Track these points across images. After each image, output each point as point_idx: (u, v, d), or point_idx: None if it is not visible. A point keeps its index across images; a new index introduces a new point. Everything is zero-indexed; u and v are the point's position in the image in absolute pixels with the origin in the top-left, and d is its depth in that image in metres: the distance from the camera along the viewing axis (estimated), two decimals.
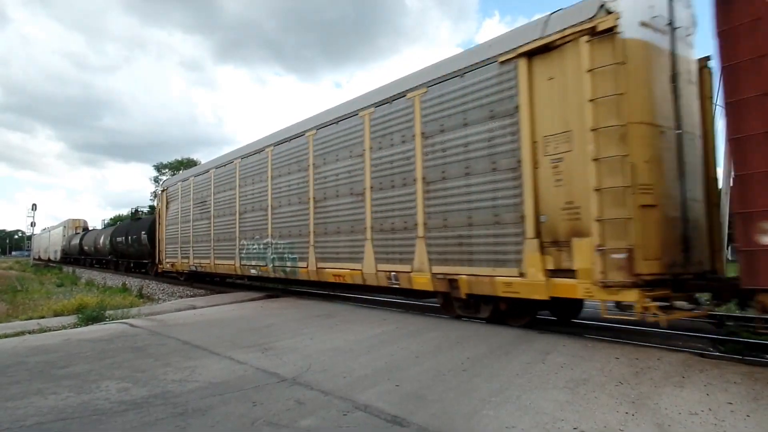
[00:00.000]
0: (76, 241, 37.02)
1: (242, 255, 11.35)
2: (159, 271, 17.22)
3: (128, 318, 7.58)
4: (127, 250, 22.96)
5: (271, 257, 10.22)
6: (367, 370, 4.23)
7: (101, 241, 28.70)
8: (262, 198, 10.69)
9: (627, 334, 6.09)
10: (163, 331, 6.32)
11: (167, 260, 15.96)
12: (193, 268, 14.15)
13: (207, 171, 13.68)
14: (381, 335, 5.78)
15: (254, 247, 10.87)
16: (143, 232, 19.70)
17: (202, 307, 8.96)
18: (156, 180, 54.66)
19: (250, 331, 6.19)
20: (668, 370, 4.03)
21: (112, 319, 7.50)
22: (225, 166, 12.56)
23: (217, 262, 12.65)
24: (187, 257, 14.43)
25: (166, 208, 16.25)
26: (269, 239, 10.29)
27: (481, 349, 4.94)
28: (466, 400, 3.40)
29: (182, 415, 3.18)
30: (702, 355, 4.58)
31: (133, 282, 18.42)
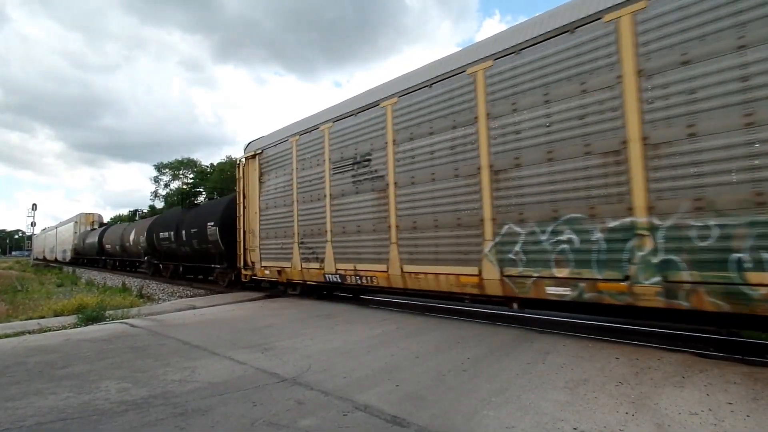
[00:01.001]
0: (93, 238, 30.36)
1: (512, 255, 5.69)
2: (246, 279, 11.44)
3: (128, 318, 7.58)
4: (179, 250, 16.23)
5: (680, 261, 4.41)
6: (367, 370, 4.23)
7: (131, 237, 21.94)
8: (605, 124, 4.96)
9: (627, 334, 6.08)
10: (163, 331, 6.32)
11: (265, 264, 10.38)
12: (335, 278, 8.40)
13: (369, 106, 7.78)
14: (381, 335, 5.78)
15: (563, 236, 5.25)
16: (210, 224, 13.39)
17: (202, 307, 8.96)
18: (156, 180, 54.31)
19: (250, 331, 6.20)
20: (668, 370, 4.03)
21: (112, 319, 7.50)
22: (431, 86, 6.72)
23: (412, 269, 6.89)
24: (315, 258, 8.82)
25: (260, 182, 10.70)
26: (648, 219, 4.60)
27: (481, 349, 4.94)
28: (466, 401, 3.40)
29: (182, 416, 3.18)
30: (702, 355, 4.58)
31: (133, 282, 18.42)
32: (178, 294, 14.52)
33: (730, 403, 3.25)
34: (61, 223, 43.98)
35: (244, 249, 11.37)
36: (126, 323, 7.01)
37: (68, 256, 37.37)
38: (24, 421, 3.13)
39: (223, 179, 45.73)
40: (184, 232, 15.41)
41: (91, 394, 3.68)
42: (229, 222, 12.50)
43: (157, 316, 7.82)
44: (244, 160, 11.59)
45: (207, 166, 52.26)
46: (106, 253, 27.79)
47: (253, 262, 11.06)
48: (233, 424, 3.04)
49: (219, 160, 51.78)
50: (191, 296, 12.97)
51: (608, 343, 5.17)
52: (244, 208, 11.40)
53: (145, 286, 16.63)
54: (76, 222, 37.35)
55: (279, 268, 10.04)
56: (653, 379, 3.81)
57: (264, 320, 7.17)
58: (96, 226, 35.07)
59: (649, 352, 4.64)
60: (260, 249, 10.66)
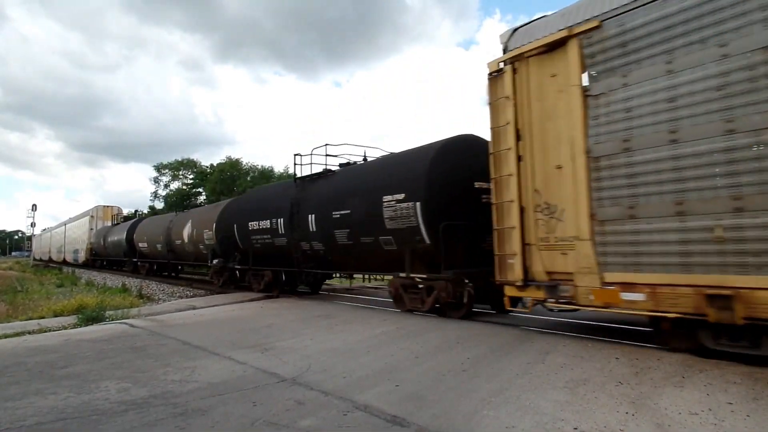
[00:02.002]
0: (118, 235, 23.95)
1: None
2: (524, 307, 5.93)
3: (128, 318, 7.58)
4: (296, 248, 10.06)
5: None
6: (367, 370, 4.23)
7: (185, 232, 15.57)
8: None
9: (627, 334, 6.08)
10: (162, 331, 6.32)
11: (640, 277, 4.67)
12: None
13: None
14: (381, 336, 5.78)
15: None
16: (393, 198, 7.57)
17: (202, 307, 8.96)
18: (155, 180, 54.20)
19: (250, 332, 6.19)
20: (668, 370, 4.03)
21: (112, 320, 7.50)
22: None
23: None
24: None
25: (588, 97, 5.18)
26: None
27: (481, 349, 4.94)
28: (466, 401, 3.40)
29: (182, 415, 3.18)
30: (702, 355, 4.57)
31: (133, 282, 18.39)
32: (177, 294, 14.52)
33: (730, 403, 3.25)
34: (71, 219, 37.71)
35: (523, 246, 5.72)
36: (126, 323, 7.00)
37: (81, 257, 31.36)
38: (24, 421, 3.13)
39: (222, 179, 45.62)
40: (312, 217, 9.30)
41: (91, 394, 3.67)
42: (444, 193, 7.04)
43: (157, 316, 7.82)
44: (502, 64, 6.07)
45: (207, 167, 52.25)
46: (140, 254, 21.46)
47: (556, 274, 5.46)
48: (233, 423, 3.04)
49: (219, 161, 51.71)
50: (191, 296, 12.97)
51: (608, 343, 5.17)
52: (519, 160, 5.83)
53: (144, 286, 16.62)
54: (91, 216, 31.04)
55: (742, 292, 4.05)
56: (653, 379, 3.81)
57: (264, 320, 7.16)
58: (119, 221, 28.85)
59: (649, 352, 4.64)
60: (598, 242, 5.00)
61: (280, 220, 10.38)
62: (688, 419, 3.01)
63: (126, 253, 22.88)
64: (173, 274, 20.85)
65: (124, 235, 22.82)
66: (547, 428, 2.91)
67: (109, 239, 25.74)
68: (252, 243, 11.57)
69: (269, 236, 10.87)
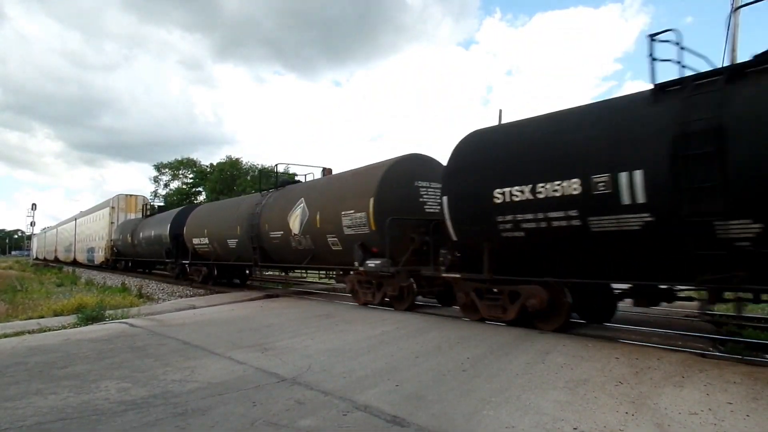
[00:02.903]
0: (157, 230, 18.30)
1: None
2: None
3: (128, 318, 7.58)
4: None
5: None
6: (367, 370, 4.23)
7: (296, 219, 10.05)
8: None
9: (627, 333, 6.08)
10: (162, 331, 6.32)
11: None
12: None
13: None
14: (381, 335, 5.78)
15: None
16: None
17: (202, 306, 8.96)
18: (155, 180, 54.22)
19: (250, 331, 6.19)
20: (668, 370, 4.04)
21: (112, 319, 7.50)
22: None
23: None
24: None
25: None
26: None
27: (481, 349, 4.94)
28: (466, 401, 3.40)
29: (182, 415, 3.18)
30: (702, 355, 4.58)
31: (133, 281, 18.37)
32: (177, 294, 14.52)
33: (730, 403, 3.25)
34: (83, 213, 32.83)
35: None
36: (126, 323, 7.00)
37: (99, 256, 26.48)
38: (24, 421, 3.13)
39: (223, 179, 45.52)
40: None
41: (91, 394, 3.67)
42: None
43: (156, 315, 7.82)
44: None
45: (207, 166, 52.24)
46: (193, 254, 15.60)
47: None
48: (233, 423, 3.04)
49: (219, 160, 51.70)
50: (191, 296, 12.97)
51: (608, 342, 5.17)
52: None
53: (144, 285, 16.61)
54: (113, 207, 25.81)
55: None
56: (653, 379, 3.81)
57: (264, 320, 7.16)
58: (147, 212, 22.59)
59: (649, 352, 4.64)
60: None
61: (626, 176, 4.84)
62: (688, 419, 3.02)
63: (170, 253, 17.03)
64: (237, 282, 15.35)
65: (166, 229, 17.03)
66: (547, 428, 2.91)
67: (142, 235, 19.83)
68: (497, 229, 6.07)
69: (575, 213, 5.28)
